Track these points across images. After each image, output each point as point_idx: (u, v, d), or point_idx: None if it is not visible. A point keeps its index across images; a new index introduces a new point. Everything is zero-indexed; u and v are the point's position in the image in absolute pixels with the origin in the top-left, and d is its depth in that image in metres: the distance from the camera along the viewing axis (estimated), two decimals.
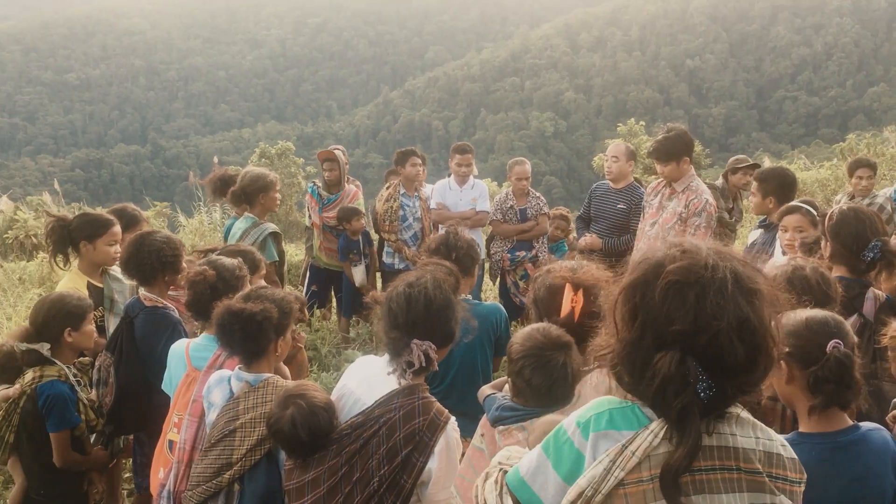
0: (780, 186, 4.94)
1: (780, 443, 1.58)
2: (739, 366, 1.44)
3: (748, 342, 1.44)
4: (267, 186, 5.31)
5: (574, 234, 7.31)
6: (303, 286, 7.32)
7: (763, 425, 1.59)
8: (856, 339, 2.28)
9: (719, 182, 6.91)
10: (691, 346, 1.42)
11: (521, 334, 2.37)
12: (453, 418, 2.43)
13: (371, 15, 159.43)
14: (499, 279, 7.18)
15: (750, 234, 5.50)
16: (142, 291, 3.69)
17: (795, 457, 1.59)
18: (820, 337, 2.19)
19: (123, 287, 4.17)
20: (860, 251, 3.33)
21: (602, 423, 1.54)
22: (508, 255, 6.83)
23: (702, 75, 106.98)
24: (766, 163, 12.33)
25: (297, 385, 2.55)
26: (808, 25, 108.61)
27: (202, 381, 2.90)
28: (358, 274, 6.88)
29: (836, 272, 3.37)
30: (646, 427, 1.49)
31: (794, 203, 4.39)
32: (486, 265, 7.46)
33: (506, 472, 1.76)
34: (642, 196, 6.18)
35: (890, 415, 2.64)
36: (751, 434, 1.54)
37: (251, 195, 5.29)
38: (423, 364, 2.32)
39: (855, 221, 3.39)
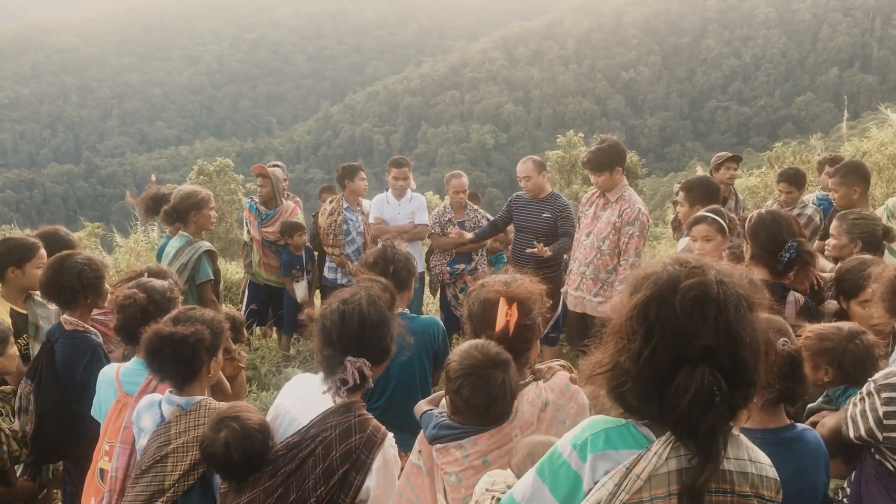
0: (706, 195, 5.08)
1: (768, 464, 1.60)
2: (751, 380, 1.48)
3: (759, 356, 1.48)
4: (199, 203, 5.18)
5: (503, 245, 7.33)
6: (242, 304, 7.21)
7: (751, 444, 1.60)
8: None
9: None
10: (713, 361, 1.43)
11: (458, 352, 2.36)
12: (391, 435, 2.41)
13: (309, 31, 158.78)
14: (439, 292, 7.19)
15: (679, 241, 5.62)
16: (63, 316, 3.57)
17: (778, 478, 1.61)
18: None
19: (49, 312, 4.03)
20: (777, 252, 3.43)
21: (599, 444, 1.52)
22: (448, 269, 6.84)
23: (636, 87, 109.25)
24: (699, 171, 12.63)
25: (230, 407, 2.50)
26: (736, 38, 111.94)
27: (133, 406, 2.82)
28: (300, 290, 6.82)
29: (758, 275, 3.45)
30: (648, 448, 1.48)
31: (700, 213, 4.51)
32: (426, 278, 7.47)
33: (499, 499, 1.73)
34: (565, 204, 6.26)
35: (808, 420, 2.71)
36: (744, 456, 1.56)
37: (183, 213, 5.17)
38: (358, 381, 2.30)
39: (771, 223, 3.50)
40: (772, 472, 1.59)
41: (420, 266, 6.77)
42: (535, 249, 5.74)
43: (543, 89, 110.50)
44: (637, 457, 1.47)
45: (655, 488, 1.46)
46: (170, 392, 2.70)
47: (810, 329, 2.75)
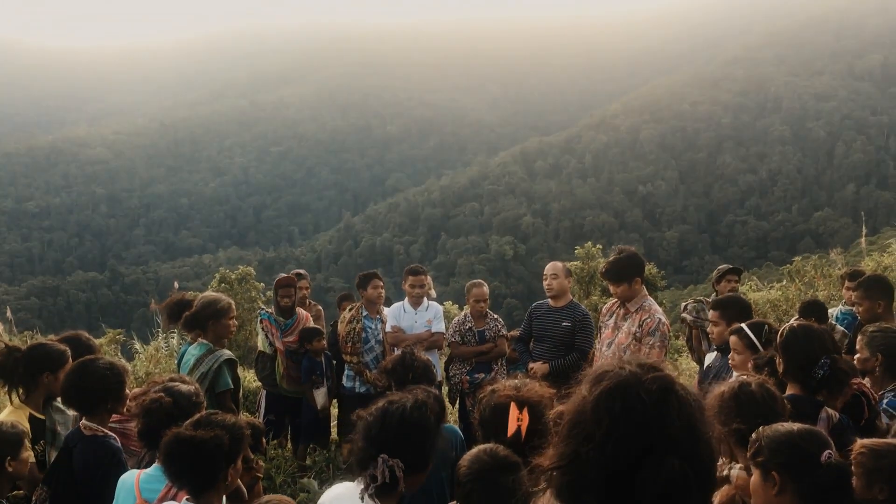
0: (740, 313, 5.00)
1: None
2: (711, 477, 1.48)
3: (714, 457, 1.50)
4: (219, 312, 5.19)
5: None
6: (258, 413, 7.15)
7: None
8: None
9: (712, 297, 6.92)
10: (677, 453, 1.43)
11: (468, 457, 2.33)
12: None
13: (333, 144, 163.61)
14: (458, 402, 7.11)
15: (707, 356, 5.55)
16: (82, 421, 3.55)
17: None
18: (812, 447, 2.22)
19: (67, 419, 4.01)
20: (810, 368, 3.36)
21: None
22: (468, 378, 6.79)
23: (654, 200, 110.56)
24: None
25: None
26: (752, 154, 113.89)
27: None
28: (320, 396, 6.76)
29: (790, 390, 3.39)
30: None
31: (737, 325, 4.46)
32: (445, 388, 7.40)
33: None
34: (585, 313, 6.28)
35: None
36: None
37: (203, 321, 5.19)
38: (388, 480, 2.25)
39: (804, 338, 3.42)
40: None
41: (438, 375, 6.72)
42: (535, 368, 5.77)
43: (562, 202, 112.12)
44: None
45: None
46: (187, 500, 2.66)
47: (863, 444, 2.65)
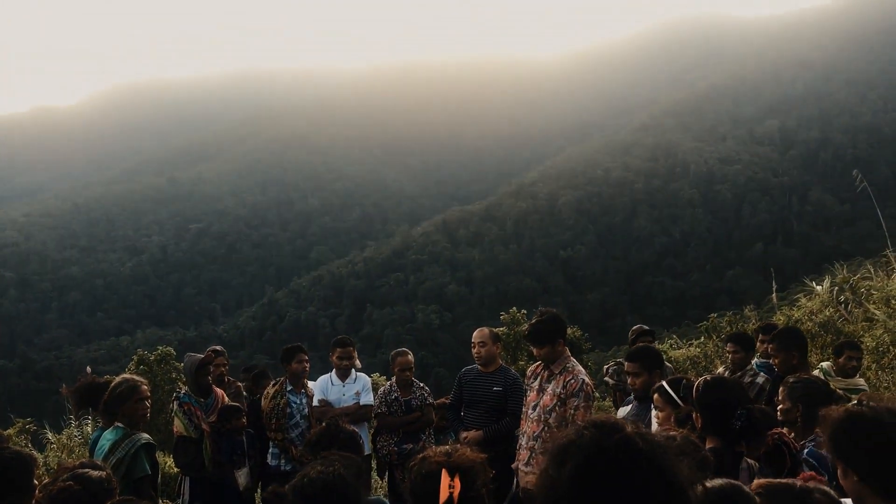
0: (654, 360, 5.25)
1: None
2: None
3: (684, 488, 1.47)
4: (125, 394, 4.98)
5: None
6: (180, 501, 6.83)
7: None
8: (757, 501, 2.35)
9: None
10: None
11: None
12: None
13: (255, 219, 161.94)
14: (387, 474, 6.98)
15: (620, 409, 5.66)
16: None
17: None
18: None
19: None
20: (728, 419, 3.45)
21: None
22: (395, 449, 6.68)
23: (575, 264, 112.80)
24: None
25: None
26: (665, 216, 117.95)
27: None
28: (242, 477, 6.53)
29: (710, 443, 3.46)
30: None
31: (659, 384, 4.59)
32: (374, 462, 7.26)
33: None
34: (515, 377, 6.32)
35: None
36: None
37: (110, 405, 5.01)
38: None
39: (719, 390, 3.52)
40: None
41: (366, 448, 6.61)
42: (468, 436, 5.76)
43: (485, 269, 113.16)
44: None
45: None
46: None
47: (759, 483, 2.71)
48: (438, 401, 7.48)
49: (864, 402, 2.46)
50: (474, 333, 6.48)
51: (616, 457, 1.43)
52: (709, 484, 2.34)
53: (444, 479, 2.36)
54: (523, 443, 5.59)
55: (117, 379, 5.26)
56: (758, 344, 6.95)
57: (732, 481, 2.37)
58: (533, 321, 5.50)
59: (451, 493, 2.33)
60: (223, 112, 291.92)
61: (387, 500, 4.21)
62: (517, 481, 5.76)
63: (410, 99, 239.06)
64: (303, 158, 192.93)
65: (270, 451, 6.76)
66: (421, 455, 2.56)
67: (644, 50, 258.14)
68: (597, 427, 1.51)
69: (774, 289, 17.10)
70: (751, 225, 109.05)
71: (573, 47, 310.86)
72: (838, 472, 2.51)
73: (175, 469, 8.76)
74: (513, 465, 5.72)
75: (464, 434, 6.16)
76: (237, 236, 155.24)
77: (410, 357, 7.00)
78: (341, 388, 6.86)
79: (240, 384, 7.77)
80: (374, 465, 7.33)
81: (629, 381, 5.64)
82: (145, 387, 5.15)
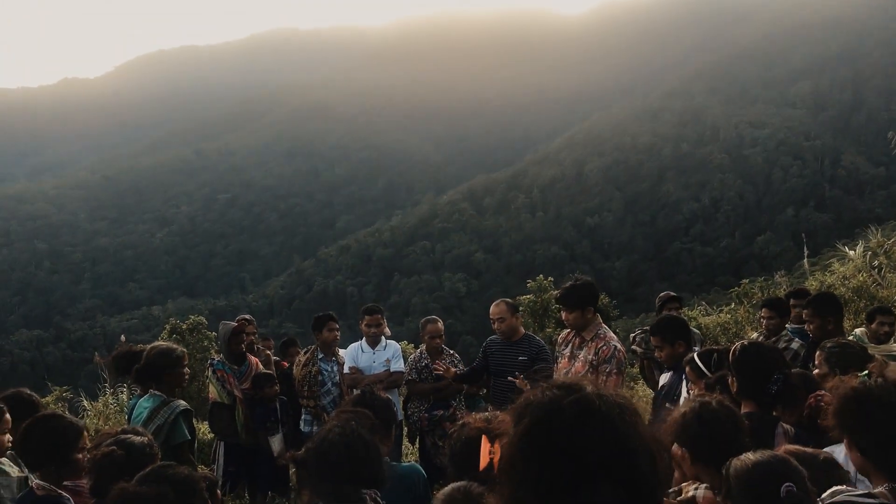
0: (677, 331, 5.16)
1: None
2: (653, 488, 1.45)
3: (654, 461, 1.46)
4: (174, 362, 5.10)
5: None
6: (214, 465, 6.96)
7: None
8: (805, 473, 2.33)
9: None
10: (612, 476, 1.41)
11: (441, 495, 2.28)
12: None
13: (281, 189, 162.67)
14: (418, 441, 7.03)
15: (661, 377, 5.62)
16: (35, 481, 3.40)
17: None
18: (771, 481, 2.23)
19: (10, 482, 3.81)
20: (764, 385, 3.42)
21: None
22: (426, 415, 6.72)
23: (602, 232, 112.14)
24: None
25: None
26: (693, 182, 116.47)
27: None
28: (276, 444, 6.61)
29: (745, 408, 3.44)
30: None
31: (690, 356, 4.55)
32: (405, 427, 7.31)
33: None
34: (541, 345, 6.28)
35: None
36: None
37: (157, 371, 5.08)
38: None
39: (756, 356, 3.50)
40: None
41: (398, 415, 6.65)
42: (517, 381, 5.70)
43: (512, 237, 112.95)
44: None
45: None
46: None
47: (786, 450, 2.67)
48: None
49: (875, 378, 2.43)
50: (491, 309, 6.40)
51: (569, 414, 1.44)
52: (753, 457, 2.31)
53: (485, 444, 2.36)
54: None
55: (159, 346, 5.33)
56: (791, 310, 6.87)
57: (779, 454, 2.33)
58: (566, 285, 5.46)
59: (491, 459, 2.34)
60: (249, 80, 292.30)
61: (419, 466, 4.23)
62: None
63: (435, 60, 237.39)
64: (328, 128, 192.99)
65: (303, 417, 6.84)
66: (461, 422, 2.57)
67: (671, 11, 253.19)
68: (559, 387, 1.52)
69: (806, 254, 16.90)
70: (781, 190, 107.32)
71: (599, 4, 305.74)
72: (845, 445, 2.49)
73: (210, 435, 8.91)
74: None
75: (516, 380, 5.97)
76: (264, 206, 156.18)
77: (440, 324, 7.01)
78: (372, 356, 6.89)
79: (269, 352, 7.85)
80: (405, 431, 7.40)
81: (656, 353, 5.61)
82: (186, 355, 5.27)
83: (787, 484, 2.22)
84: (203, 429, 9.38)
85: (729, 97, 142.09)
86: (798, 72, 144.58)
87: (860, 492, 2.26)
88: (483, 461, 2.34)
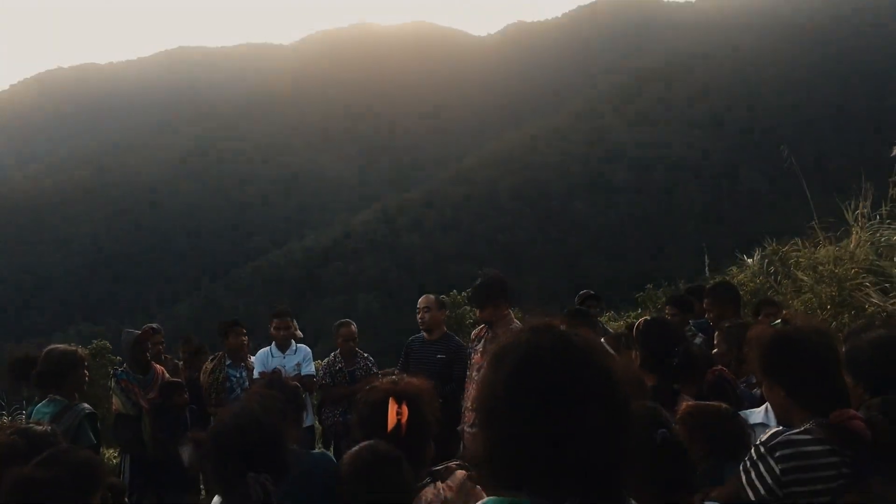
0: (583, 320, 5.33)
1: None
2: (630, 419, 1.49)
3: (631, 392, 1.52)
4: (76, 363, 4.89)
5: None
6: (123, 479, 6.69)
7: None
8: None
9: None
10: (598, 404, 1.43)
11: (348, 456, 2.28)
12: None
13: (190, 207, 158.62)
14: (332, 446, 6.96)
15: None
16: None
17: None
18: (644, 431, 2.31)
19: None
20: (665, 357, 3.57)
21: None
22: (341, 420, 6.67)
23: (514, 249, 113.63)
24: None
25: None
26: (601, 200, 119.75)
27: None
28: (186, 454, 6.41)
29: (648, 381, 3.58)
30: None
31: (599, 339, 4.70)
32: (318, 432, 7.24)
33: None
34: (459, 344, 6.35)
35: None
36: None
37: (57, 375, 4.87)
38: (261, 499, 2.12)
39: (658, 331, 3.66)
40: None
41: (310, 419, 6.59)
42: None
43: (426, 255, 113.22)
44: None
45: None
46: None
47: (687, 405, 2.81)
48: (384, 371, 7.46)
49: (791, 323, 2.58)
50: (420, 299, 6.53)
51: (552, 352, 1.47)
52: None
53: (392, 406, 2.38)
54: (468, 405, 5.64)
55: (57, 349, 5.09)
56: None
57: (645, 406, 2.43)
58: (476, 283, 5.53)
59: (398, 420, 2.35)
60: (156, 99, 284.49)
61: (331, 454, 4.19)
62: (463, 444, 5.82)
63: (349, 78, 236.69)
64: (237, 147, 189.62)
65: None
66: (368, 386, 2.57)
67: (578, 34, 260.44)
68: (532, 330, 1.55)
69: (706, 262, 17.54)
70: (683, 206, 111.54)
71: (505, 27, 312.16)
72: (763, 388, 2.62)
73: (114, 455, 8.58)
74: (458, 428, 5.77)
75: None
76: (172, 224, 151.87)
77: (354, 327, 6.99)
78: (281, 360, 6.80)
79: (177, 361, 7.65)
80: (318, 435, 7.32)
81: None
82: (87, 355, 5.09)
83: (661, 430, 2.32)
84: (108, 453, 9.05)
85: (632, 118, 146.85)
86: (697, 93, 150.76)
87: (797, 430, 2.37)
88: (391, 422, 2.35)
